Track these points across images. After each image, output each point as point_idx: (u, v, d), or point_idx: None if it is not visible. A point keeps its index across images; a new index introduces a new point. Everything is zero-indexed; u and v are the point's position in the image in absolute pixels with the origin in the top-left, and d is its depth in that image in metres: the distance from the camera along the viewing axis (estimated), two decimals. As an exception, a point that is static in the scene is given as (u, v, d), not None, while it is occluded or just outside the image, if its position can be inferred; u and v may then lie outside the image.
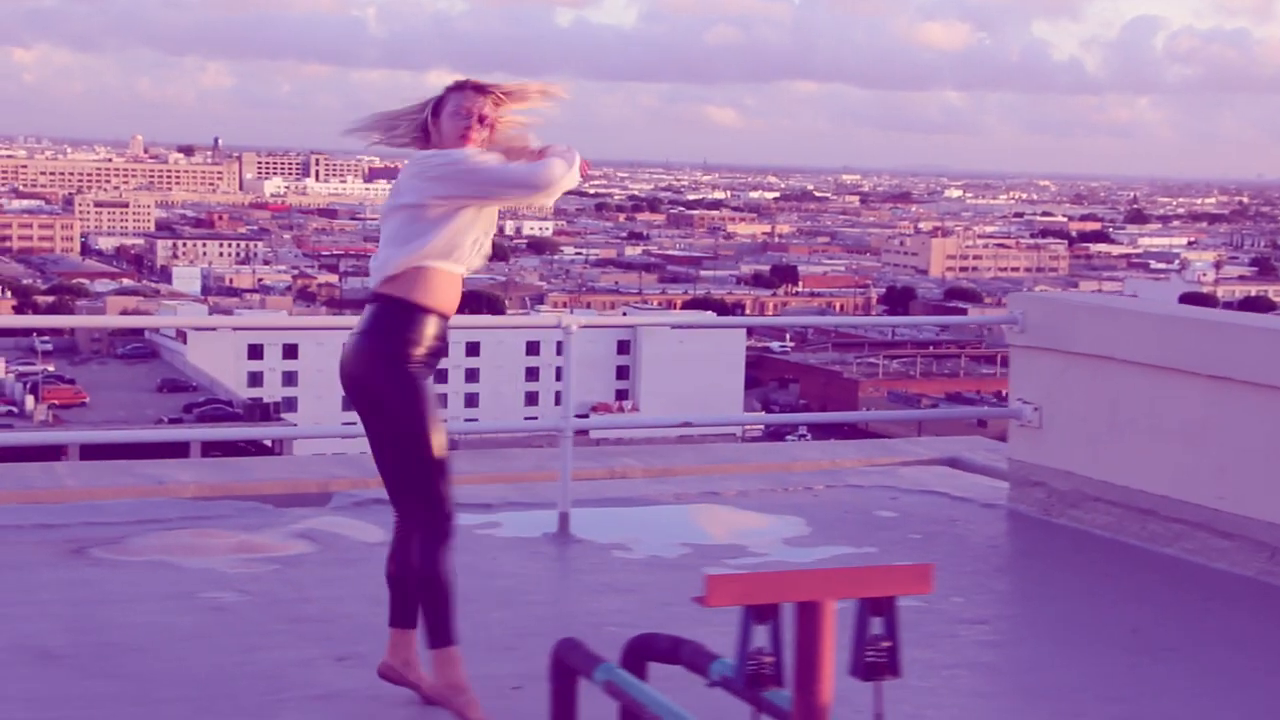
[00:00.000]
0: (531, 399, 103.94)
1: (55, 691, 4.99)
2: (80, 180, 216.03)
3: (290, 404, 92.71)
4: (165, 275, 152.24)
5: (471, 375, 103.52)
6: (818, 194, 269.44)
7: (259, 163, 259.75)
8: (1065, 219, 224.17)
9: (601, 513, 7.73)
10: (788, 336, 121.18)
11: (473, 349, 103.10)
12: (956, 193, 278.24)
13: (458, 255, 4.75)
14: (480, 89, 4.86)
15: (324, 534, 7.21)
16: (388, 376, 4.67)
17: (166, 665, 5.30)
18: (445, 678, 4.84)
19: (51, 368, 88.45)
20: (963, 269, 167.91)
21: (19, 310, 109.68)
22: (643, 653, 3.29)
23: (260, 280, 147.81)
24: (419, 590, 4.84)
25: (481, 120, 4.82)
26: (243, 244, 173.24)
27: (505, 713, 4.90)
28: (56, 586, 6.23)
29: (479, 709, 4.80)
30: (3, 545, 6.75)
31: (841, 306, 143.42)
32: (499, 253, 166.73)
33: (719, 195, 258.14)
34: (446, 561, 4.82)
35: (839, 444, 9.99)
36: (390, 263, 4.72)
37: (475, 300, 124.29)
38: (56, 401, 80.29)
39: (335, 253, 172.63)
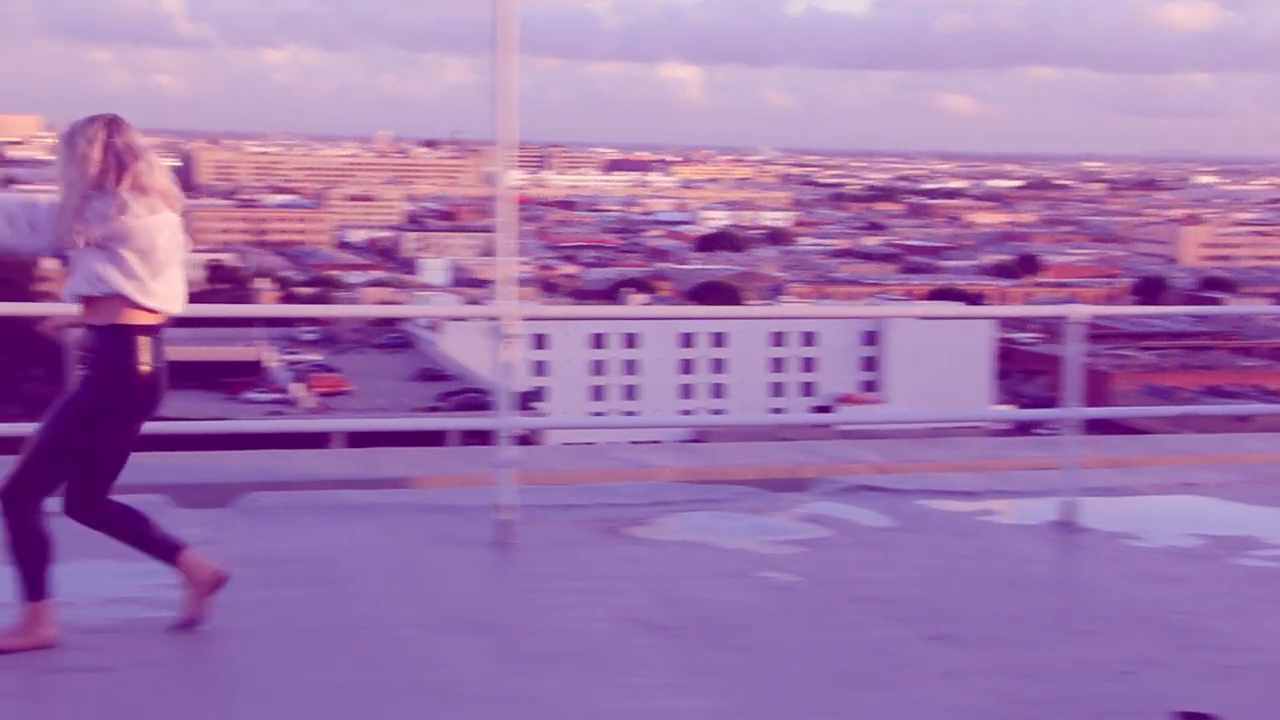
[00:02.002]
0: (776, 389, 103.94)
1: (681, 661, 5.24)
2: (331, 175, 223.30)
3: (540, 392, 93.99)
4: (412, 267, 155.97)
5: (717, 366, 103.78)
6: (1060, 182, 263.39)
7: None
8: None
9: (1089, 502, 7.74)
10: (1036, 327, 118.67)
11: (717, 339, 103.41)
12: (1208, 178, 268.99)
13: None
14: None
15: (831, 518, 7.40)
16: None
17: (771, 640, 5.52)
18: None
19: (317, 357, 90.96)
20: (1217, 257, 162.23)
21: (283, 301, 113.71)
22: None
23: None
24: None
25: None
26: (485, 236, 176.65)
27: (1123, 696, 4.97)
28: (615, 563, 6.52)
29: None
30: (546, 524, 7.09)
31: (1088, 297, 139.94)
32: (736, 243, 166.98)
33: (957, 184, 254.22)
34: None
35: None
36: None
37: (717, 291, 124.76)
38: (322, 389, 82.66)
39: (575, 244, 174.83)
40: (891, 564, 6.62)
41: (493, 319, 6.96)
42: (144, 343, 5.10)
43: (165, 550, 5.38)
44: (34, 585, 5.10)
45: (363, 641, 5.31)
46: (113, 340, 5.07)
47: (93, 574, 6.08)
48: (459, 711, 4.71)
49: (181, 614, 5.34)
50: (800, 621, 5.77)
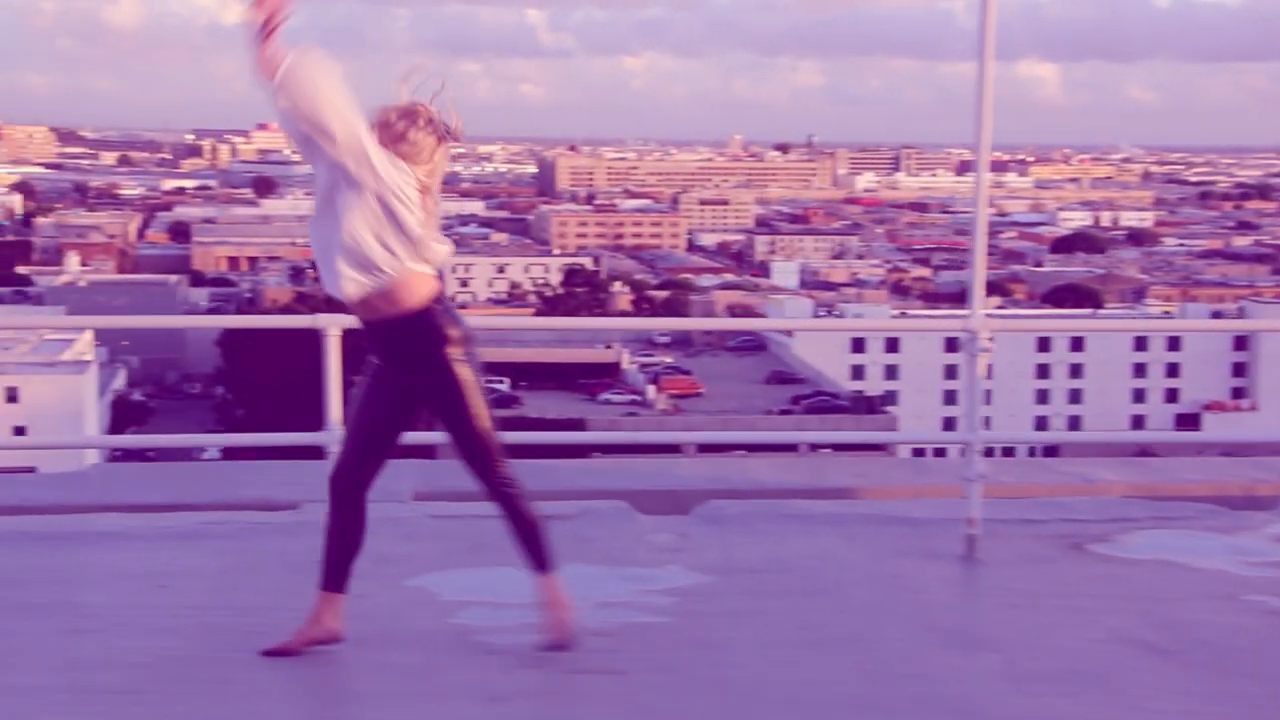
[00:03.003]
0: (1138, 396, 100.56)
1: (1194, 686, 5.12)
2: (685, 179, 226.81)
3: (891, 397, 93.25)
4: (764, 270, 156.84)
5: (1075, 371, 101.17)
6: None
7: (851, 158, 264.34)
8: None
9: None
10: None
11: (1076, 344, 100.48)
12: None
13: None
14: None
15: (1310, 540, 7.08)
16: None
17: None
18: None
19: (670, 359, 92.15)
20: None
21: (636, 304, 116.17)
22: None
23: (855, 274, 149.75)
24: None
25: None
26: (837, 239, 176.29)
27: None
28: (1093, 581, 6.40)
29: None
30: (1009, 539, 7.02)
31: None
32: (1095, 245, 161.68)
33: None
34: None
35: None
36: None
37: (1074, 294, 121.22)
38: (675, 391, 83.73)
39: (927, 246, 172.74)
40: (1390, 591, 6.29)
41: (968, 331, 6.90)
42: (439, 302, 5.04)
43: (337, 578, 5.27)
44: (540, 557, 5.23)
45: (860, 654, 5.35)
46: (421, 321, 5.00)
47: (580, 578, 6.32)
48: (980, 730, 4.70)
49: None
50: (1311, 650, 5.54)
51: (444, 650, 5.36)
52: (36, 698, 4.81)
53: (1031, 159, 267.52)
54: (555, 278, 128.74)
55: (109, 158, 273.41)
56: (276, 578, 6.18)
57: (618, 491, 7.79)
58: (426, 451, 8.76)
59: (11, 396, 71.95)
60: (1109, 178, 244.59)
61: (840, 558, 6.67)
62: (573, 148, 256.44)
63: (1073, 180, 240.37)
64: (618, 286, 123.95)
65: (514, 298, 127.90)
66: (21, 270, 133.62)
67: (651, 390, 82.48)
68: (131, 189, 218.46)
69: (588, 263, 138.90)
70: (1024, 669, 5.23)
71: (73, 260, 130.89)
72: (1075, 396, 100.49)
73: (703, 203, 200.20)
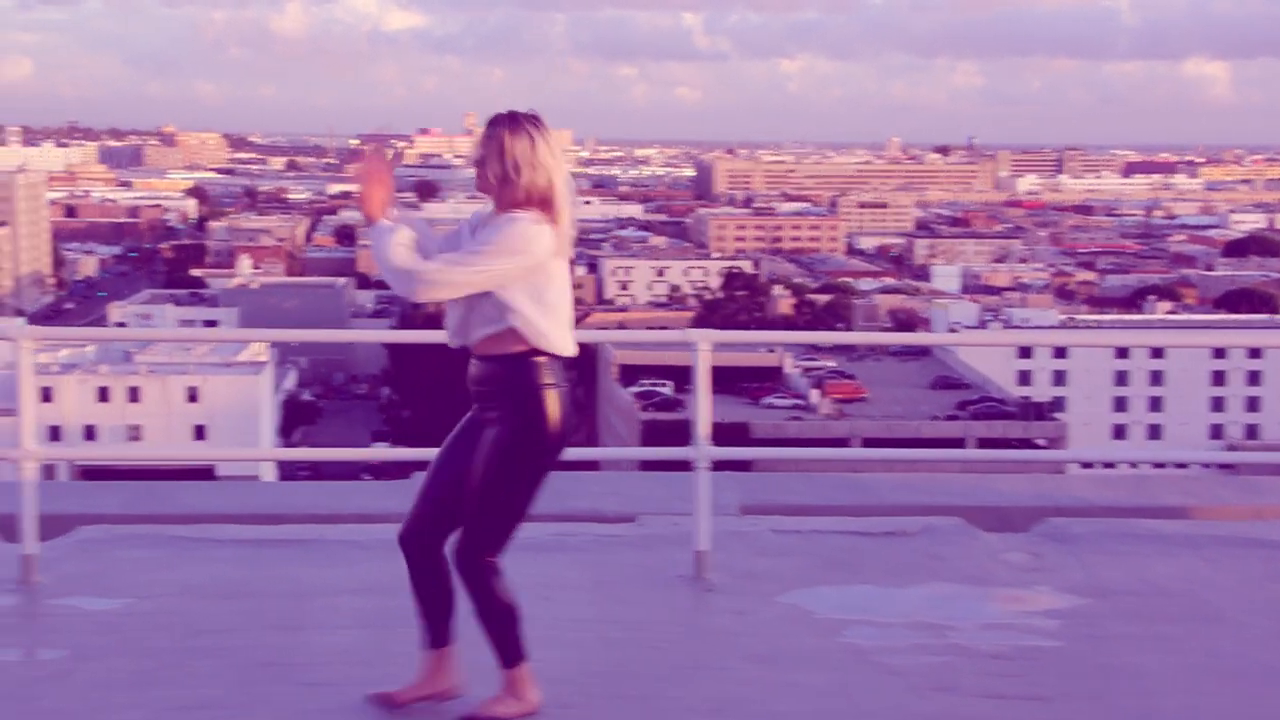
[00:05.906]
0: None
1: None
2: (843, 182, 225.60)
3: (1059, 403, 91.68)
4: (924, 274, 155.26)
5: (1252, 378, 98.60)
6: None
7: (1013, 160, 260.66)
8: None
9: None
10: None
11: (1253, 351, 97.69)
12: None
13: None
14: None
15: None
16: None
17: None
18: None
19: (833, 363, 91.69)
20: None
21: (798, 307, 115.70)
22: None
23: (1017, 278, 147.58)
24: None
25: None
26: (999, 242, 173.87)
27: None
28: None
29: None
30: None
31: None
32: (1270, 248, 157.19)
33: None
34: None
35: None
36: None
37: (1247, 299, 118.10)
38: (839, 396, 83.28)
39: (1092, 250, 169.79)
40: None
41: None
42: (550, 370, 4.55)
43: (438, 633, 4.74)
44: (510, 650, 4.66)
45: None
46: (516, 371, 4.54)
47: (949, 597, 6.22)
48: None
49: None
50: None
51: (847, 670, 5.30)
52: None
53: (1202, 160, 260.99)
54: (714, 281, 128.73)
55: (277, 163, 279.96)
56: (647, 592, 6.17)
57: (942, 507, 7.67)
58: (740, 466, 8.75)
59: (192, 396, 73.83)
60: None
61: (1211, 581, 6.47)
62: (730, 151, 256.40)
63: (1245, 182, 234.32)
64: (777, 290, 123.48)
65: (674, 301, 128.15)
66: (196, 273, 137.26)
67: (815, 395, 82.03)
68: (299, 193, 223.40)
69: (747, 266, 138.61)
70: None
71: (244, 263, 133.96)
72: (1252, 404, 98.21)
73: (861, 205, 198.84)
